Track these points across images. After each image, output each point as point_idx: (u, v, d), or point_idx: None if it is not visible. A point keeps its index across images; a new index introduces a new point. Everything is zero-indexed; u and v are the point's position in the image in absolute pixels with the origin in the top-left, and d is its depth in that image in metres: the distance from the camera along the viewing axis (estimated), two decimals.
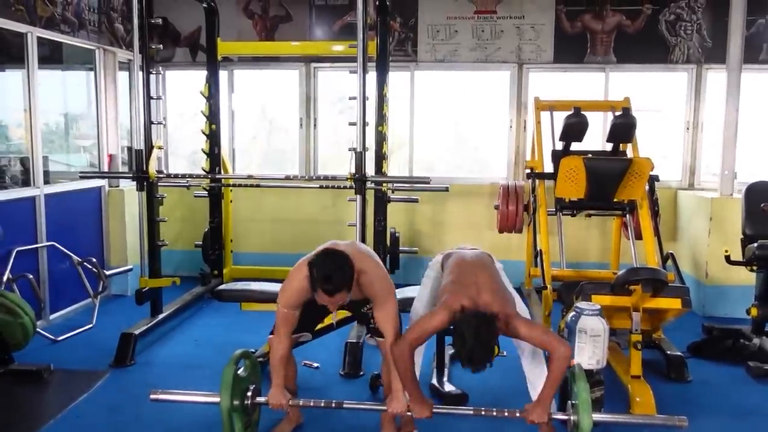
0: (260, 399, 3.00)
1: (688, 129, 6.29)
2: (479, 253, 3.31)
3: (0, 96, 5.61)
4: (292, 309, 2.96)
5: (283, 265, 5.97)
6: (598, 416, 2.77)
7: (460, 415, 3.27)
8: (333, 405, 2.99)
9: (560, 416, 2.88)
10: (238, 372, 2.91)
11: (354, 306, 3.20)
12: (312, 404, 3.04)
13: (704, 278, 5.39)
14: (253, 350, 4.12)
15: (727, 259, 4.55)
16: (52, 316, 5.03)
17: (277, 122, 7.26)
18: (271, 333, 3.14)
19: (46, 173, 5.15)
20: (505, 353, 3.66)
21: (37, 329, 4.32)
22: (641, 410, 3.45)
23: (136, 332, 4.31)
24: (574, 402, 2.80)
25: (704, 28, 6.14)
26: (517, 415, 2.87)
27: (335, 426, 3.40)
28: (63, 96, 6.19)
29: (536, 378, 3.12)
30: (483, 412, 2.89)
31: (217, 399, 2.85)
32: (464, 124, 6.94)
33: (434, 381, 3.80)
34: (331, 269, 2.72)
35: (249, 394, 2.96)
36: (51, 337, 4.59)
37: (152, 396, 3.02)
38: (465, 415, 3.15)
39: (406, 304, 3.84)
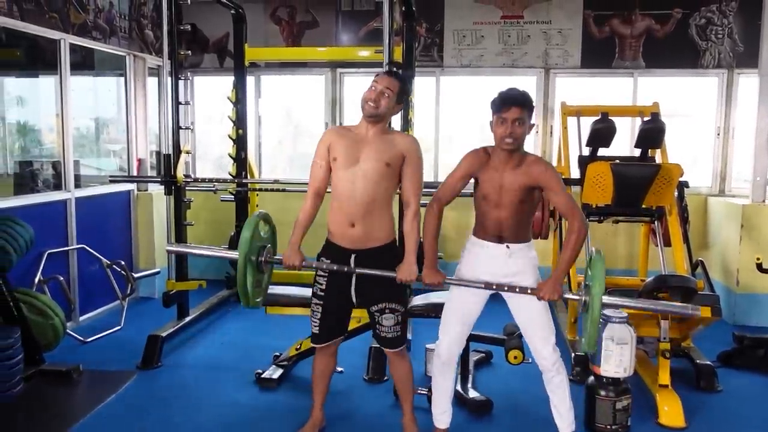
0: (276, 257, 3.02)
1: (718, 135, 6.19)
2: None
3: (34, 101, 5.74)
4: (321, 159, 3.03)
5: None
6: (608, 299, 2.72)
7: (472, 286, 3.00)
8: (345, 269, 2.92)
9: (572, 296, 2.84)
10: (260, 232, 2.95)
11: (371, 293, 3.02)
12: (324, 266, 2.99)
13: (735, 286, 5.28)
14: (277, 353, 4.18)
15: (759, 266, 4.46)
16: (81, 318, 5.12)
17: (303, 127, 7.31)
18: (312, 341, 3.17)
19: (77, 177, 5.25)
20: (530, 360, 3.62)
21: (67, 330, 4.41)
22: (669, 421, 3.40)
23: (163, 334, 4.36)
24: (587, 284, 2.74)
25: (736, 32, 6.05)
26: (529, 292, 2.83)
27: (357, 430, 3.40)
28: (94, 101, 6.30)
29: (559, 399, 3.06)
30: (494, 287, 2.85)
31: (233, 255, 2.90)
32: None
33: (458, 387, 3.77)
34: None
35: (263, 252, 2.97)
36: (80, 338, 4.67)
37: (168, 247, 3.23)
38: (477, 287, 2.94)
39: (429, 311, 3.84)
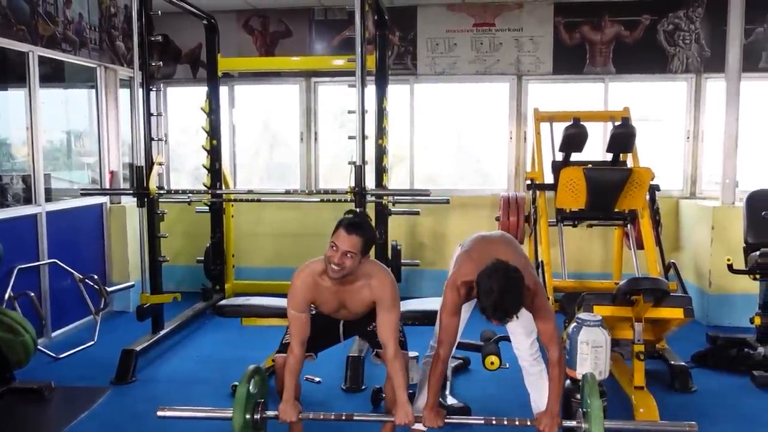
0: (269, 413, 2.96)
1: (688, 138, 6.29)
2: (501, 233, 3.39)
3: (3, 115, 5.64)
4: (300, 311, 2.93)
5: (285, 279, 5.94)
6: (609, 423, 2.74)
7: (470, 424, 3.22)
8: (343, 418, 2.97)
9: (571, 424, 2.87)
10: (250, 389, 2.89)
11: (360, 324, 3.19)
12: (322, 417, 3.00)
13: (707, 287, 5.36)
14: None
15: (730, 267, 4.52)
16: (53, 334, 5.03)
17: (280, 136, 7.29)
18: (278, 351, 3.13)
19: (48, 191, 5.17)
20: (507, 365, 3.65)
21: (39, 347, 4.32)
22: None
23: (137, 349, 4.30)
24: (585, 410, 2.77)
25: (703, 37, 6.16)
26: (528, 424, 2.87)
27: None
28: (66, 114, 6.23)
29: (538, 394, 3.11)
30: (494, 421, 2.88)
31: (227, 414, 2.84)
32: (465, 136, 6.96)
33: None
34: (360, 219, 2.98)
35: (258, 408, 2.93)
36: (52, 354, 4.59)
37: (159, 413, 2.95)
38: (476, 424, 3.10)
39: (407, 318, 3.83)
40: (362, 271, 2.90)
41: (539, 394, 3.12)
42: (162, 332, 4.74)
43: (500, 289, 2.55)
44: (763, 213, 4.18)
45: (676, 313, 3.62)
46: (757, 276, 4.36)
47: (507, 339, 3.44)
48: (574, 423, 2.86)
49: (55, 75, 5.64)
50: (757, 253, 4.22)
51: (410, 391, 3.51)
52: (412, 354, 4.05)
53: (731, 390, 4.04)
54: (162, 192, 4.85)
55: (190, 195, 5.65)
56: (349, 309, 3.05)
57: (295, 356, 2.93)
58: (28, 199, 4.95)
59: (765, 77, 6.10)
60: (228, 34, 6.33)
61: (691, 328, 4.30)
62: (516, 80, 6.38)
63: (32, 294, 4.58)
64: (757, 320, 4.19)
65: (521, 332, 3.10)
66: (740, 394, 3.99)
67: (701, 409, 3.75)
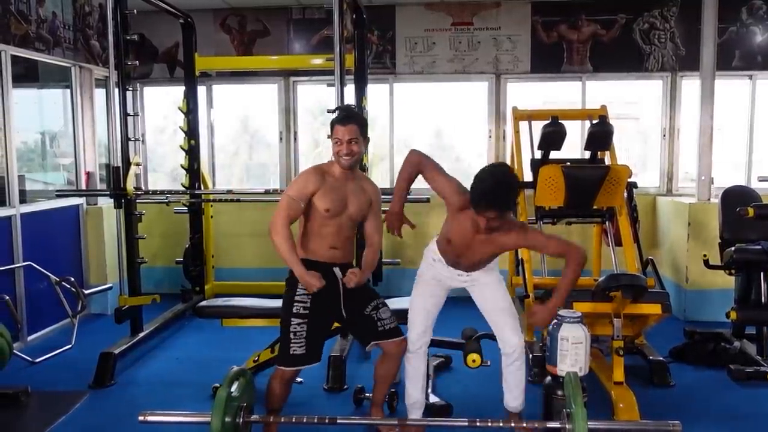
0: (254, 417, 2.93)
1: (664, 136, 6.37)
2: None
3: None
4: (297, 199, 2.99)
5: (266, 279, 5.96)
6: (592, 423, 2.75)
7: (453, 426, 3.22)
8: (327, 420, 2.92)
9: (554, 425, 2.87)
10: (232, 392, 2.84)
11: (359, 298, 3.16)
12: (305, 420, 2.95)
13: (685, 283, 5.43)
14: (235, 366, 4.10)
15: (706, 263, 4.59)
16: (29, 338, 4.95)
17: (259, 136, 7.25)
18: (280, 363, 3.11)
19: (23, 192, 5.09)
20: (489, 363, 3.66)
21: (14, 351, 4.22)
22: (625, 416, 3.45)
23: (116, 351, 4.25)
24: (569, 411, 2.78)
25: (677, 36, 6.24)
26: (512, 425, 2.88)
27: None
28: (40, 114, 6.13)
29: (513, 381, 3.18)
30: (478, 423, 2.86)
31: (208, 419, 2.79)
32: (445, 135, 6.97)
33: None
34: (348, 110, 3.25)
35: (241, 412, 2.88)
36: (28, 358, 4.51)
37: (141, 418, 2.91)
38: (459, 425, 3.06)
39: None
40: (359, 177, 3.18)
41: (516, 382, 3.19)
42: (141, 334, 4.68)
43: (495, 178, 2.74)
44: (738, 209, 4.22)
45: (654, 309, 3.66)
46: (733, 271, 4.43)
47: (488, 336, 3.46)
48: (557, 424, 2.86)
49: (28, 75, 5.55)
50: (733, 248, 4.29)
51: (392, 390, 3.53)
52: None
53: (709, 384, 4.10)
54: (139, 193, 4.80)
55: (168, 195, 5.60)
56: (351, 213, 3.12)
57: (286, 233, 2.92)
58: (1, 201, 4.86)
59: (738, 75, 6.20)
60: (205, 33, 6.27)
61: (668, 323, 4.36)
62: (494, 79, 6.41)
63: (7, 297, 4.49)
64: (733, 315, 4.25)
65: (508, 326, 3.13)
66: (717, 387, 4.04)
67: (680, 403, 3.80)
